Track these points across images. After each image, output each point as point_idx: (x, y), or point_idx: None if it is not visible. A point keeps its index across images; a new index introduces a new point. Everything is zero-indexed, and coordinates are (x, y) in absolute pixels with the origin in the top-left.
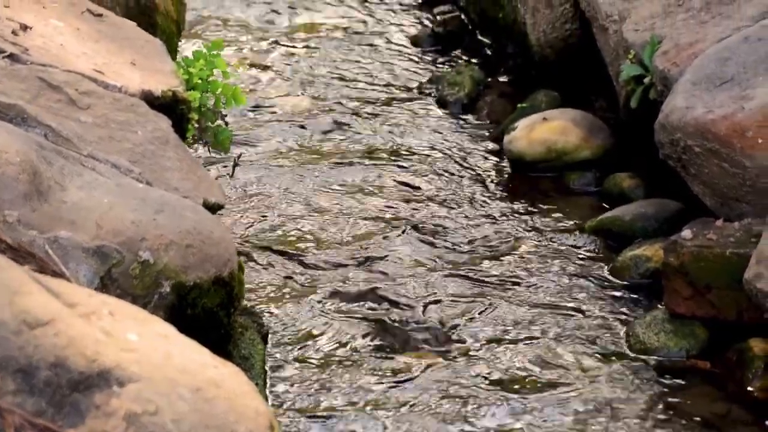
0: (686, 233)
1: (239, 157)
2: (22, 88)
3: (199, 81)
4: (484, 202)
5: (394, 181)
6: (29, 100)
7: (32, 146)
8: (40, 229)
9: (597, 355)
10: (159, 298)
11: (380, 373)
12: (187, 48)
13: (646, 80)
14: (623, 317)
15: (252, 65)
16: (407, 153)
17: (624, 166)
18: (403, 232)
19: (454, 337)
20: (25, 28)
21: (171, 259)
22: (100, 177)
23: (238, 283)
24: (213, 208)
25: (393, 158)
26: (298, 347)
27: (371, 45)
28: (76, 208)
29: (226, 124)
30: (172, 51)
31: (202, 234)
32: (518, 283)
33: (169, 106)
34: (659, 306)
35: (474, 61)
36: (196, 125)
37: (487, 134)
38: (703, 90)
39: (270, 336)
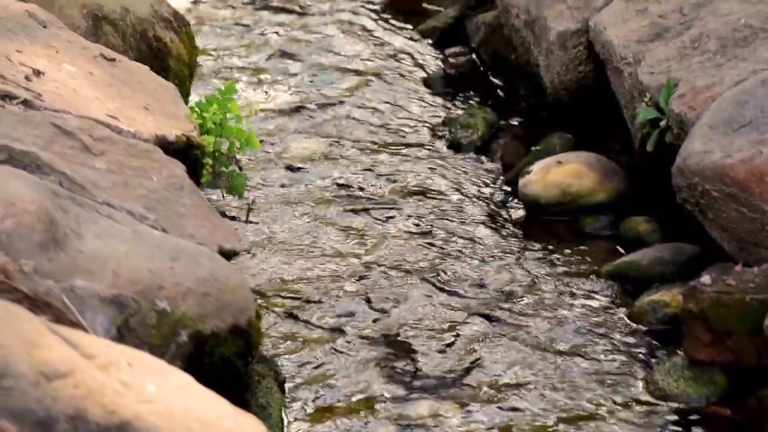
0: (705, 279)
1: (253, 202)
2: (36, 134)
3: (213, 125)
4: (499, 245)
5: (408, 224)
6: (43, 146)
7: (47, 194)
8: (56, 278)
9: (616, 401)
10: (176, 348)
11: (398, 420)
12: (200, 89)
13: (662, 123)
14: (642, 363)
15: (264, 108)
16: (421, 196)
17: (640, 210)
18: (418, 276)
19: (470, 382)
20: (38, 73)
21: (188, 307)
22: (116, 224)
23: (255, 332)
24: (229, 255)
25: (407, 201)
26: (315, 395)
27: (383, 87)
28: (93, 257)
29: (240, 168)
30: (185, 94)
31: (219, 282)
32: (534, 328)
33: (184, 151)
34: (678, 352)
35: (486, 102)
36: (211, 170)
37: (501, 177)
38: (721, 134)
39: (287, 384)
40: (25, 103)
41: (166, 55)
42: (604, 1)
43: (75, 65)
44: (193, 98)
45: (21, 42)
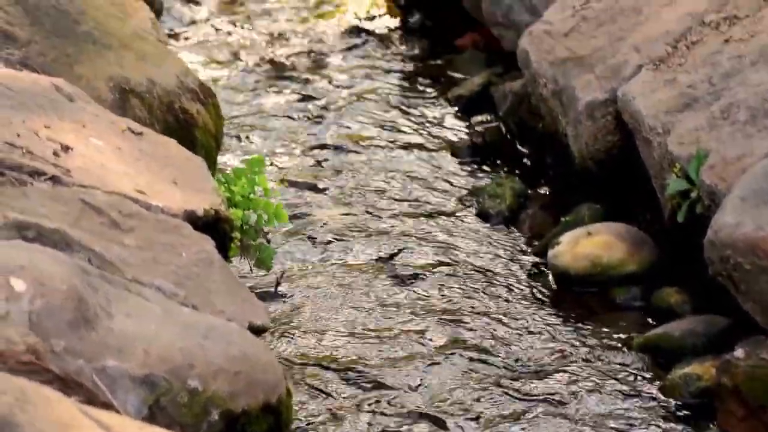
0: (739, 352)
1: (282, 275)
2: (65, 211)
3: (241, 198)
4: (529, 317)
5: (437, 296)
6: (72, 223)
7: (77, 272)
8: (87, 358)
9: None
10: (208, 427)
11: None
12: (226, 159)
13: (693, 194)
14: None
15: (291, 179)
16: (449, 268)
17: (671, 280)
18: (447, 350)
19: None
20: (66, 148)
21: (219, 386)
22: (146, 302)
23: (286, 409)
24: (258, 331)
25: (435, 273)
26: None
27: (410, 156)
28: (123, 336)
29: (268, 241)
30: (212, 165)
31: (249, 359)
32: (565, 402)
33: (212, 226)
34: (712, 426)
35: (514, 171)
36: (239, 243)
37: (530, 248)
38: (753, 206)
39: None
40: (54, 179)
41: (193, 126)
42: (633, 70)
43: (103, 139)
44: (222, 161)
45: (49, 117)
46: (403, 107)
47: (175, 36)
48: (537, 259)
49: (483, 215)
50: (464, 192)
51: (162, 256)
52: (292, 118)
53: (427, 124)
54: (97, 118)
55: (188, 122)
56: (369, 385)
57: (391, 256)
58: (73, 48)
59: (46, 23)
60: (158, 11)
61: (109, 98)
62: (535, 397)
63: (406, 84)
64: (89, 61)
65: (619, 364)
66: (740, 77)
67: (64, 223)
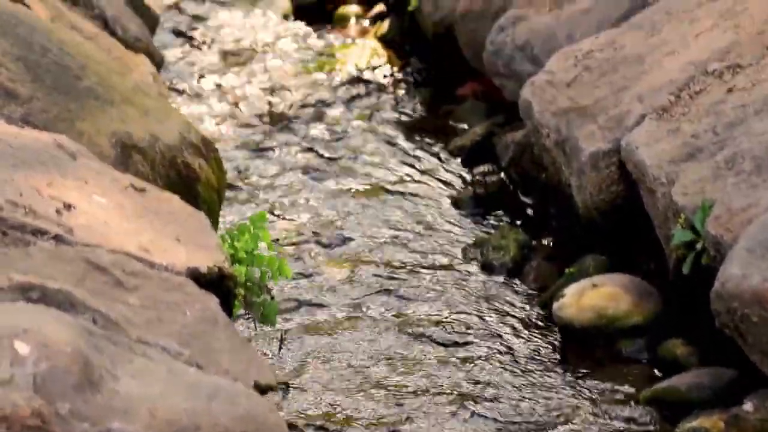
0: (747, 406)
1: (286, 332)
2: (69, 271)
3: (245, 255)
4: (535, 370)
5: (442, 351)
6: (76, 283)
7: (82, 334)
8: (92, 421)
9: None
10: None
11: None
12: (229, 214)
13: (698, 246)
14: None
15: (294, 232)
16: (454, 322)
17: (677, 332)
18: (453, 404)
19: None
20: (68, 206)
21: None
22: (151, 362)
23: None
24: (264, 390)
25: (440, 328)
26: None
27: (412, 207)
28: (128, 398)
29: (272, 297)
30: (215, 220)
31: (256, 420)
32: None
33: (216, 283)
34: None
35: (517, 222)
36: (242, 300)
37: (534, 300)
38: (759, 257)
39: None
40: (57, 238)
41: (195, 181)
42: (636, 120)
43: (105, 197)
44: (224, 215)
45: (51, 174)
46: (405, 158)
47: (175, 89)
48: (542, 312)
49: (487, 267)
50: (468, 243)
51: (166, 315)
52: (294, 170)
53: (430, 175)
54: (99, 175)
55: (191, 177)
56: None
57: (396, 311)
58: (74, 104)
59: (47, 79)
60: (159, 64)
61: (111, 154)
62: None
63: (407, 134)
64: (91, 117)
65: (626, 418)
66: (744, 127)
67: (68, 283)
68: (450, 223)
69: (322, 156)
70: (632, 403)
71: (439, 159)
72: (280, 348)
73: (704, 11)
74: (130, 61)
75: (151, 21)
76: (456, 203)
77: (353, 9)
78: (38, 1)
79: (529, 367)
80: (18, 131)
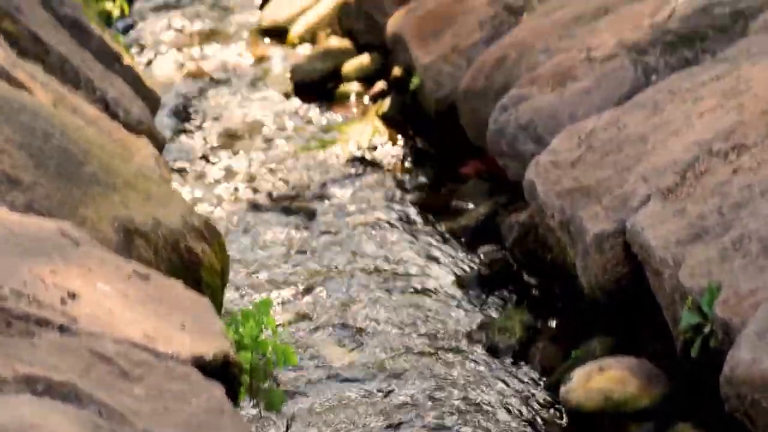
0: None
1: (291, 419)
2: (73, 361)
3: (249, 341)
4: None
5: None
6: (81, 374)
7: (88, 427)
8: None
9: None
10: None
11: None
12: (232, 298)
13: (706, 329)
14: None
15: (298, 317)
16: (460, 405)
17: (685, 415)
18: None
19: None
20: (73, 295)
21: None
22: None
23: None
24: None
25: (447, 411)
26: None
27: (416, 289)
28: None
29: (278, 384)
30: (218, 305)
31: None
32: None
33: (221, 371)
34: None
35: (522, 303)
36: (248, 387)
37: (541, 383)
38: None
39: None
40: (61, 328)
41: (199, 266)
42: (641, 201)
43: (109, 284)
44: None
45: (55, 263)
46: (409, 238)
47: (177, 169)
48: (549, 395)
49: (493, 349)
50: (473, 326)
51: (172, 405)
52: (298, 252)
53: (433, 256)
54: (103, 262)
55: (194, 262)
56: None
57: (402, 395)
58: (77, 190)
59: (50, 165)
60: (161, 146)
61: (114, 239)
62: None
63: (410, 214)
64: (94, 203)
65: None
66: (751, 207)
67: (74, 374)
68: (454, 304)
69: (324, 237)
70: None
71: (443, 239)
72: None
73: (707, 90)
74: (132, 144)
75: (152, 102)
76: (460, 284)
77: (354, 87)
78: (40, 86)
79: None
80: (21, 219)
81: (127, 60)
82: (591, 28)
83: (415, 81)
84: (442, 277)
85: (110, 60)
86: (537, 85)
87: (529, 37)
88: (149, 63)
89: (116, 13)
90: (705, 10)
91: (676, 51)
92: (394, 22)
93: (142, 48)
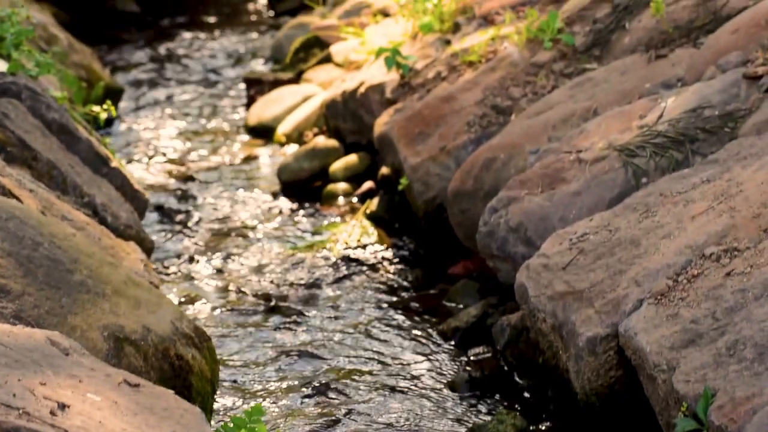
0: None
1: None
2: None
3: None
4: None
5: None
6: None
7: None
8: None
9: None
10: None
11: None
12: (223, 402)
13: None
14: None
15: (289, 421)
16: None
17: None
18: None
19: None
20: (63, 406)
21: None
22: None
23: None
24: None
25: None
26: None
27: (407, 392)
28: None
29: None
30: (208, 411)
31: None
32: None
33: None
34: None
35: (514, 406)
36: None
37: None
38: None
39: None
40: None
41: (189, 373)
42: (633, 305)
43: (99, 394)
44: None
45: (44, 373)
46: (398, 340)
47: (166, 272)
48: None
49: None
50: (465, 429)
51: None
52: (287, 355)
53: (424, 358)
54: (93, 371)
55: (184, 369)
56: None
57: None
58: (66, 298)
59: (39, 274)
60: (149, 250)
61: (103, 348)
62: None
63: (399, 315)
64: (83, 311)
65: None
66: (744, 312)
67: None
68: (446, 407)
69: (314, 339)
70: None
71: (433, 340)
72: None
73: (699, 193)
74: (121, 250)
75: (140, 204)
76: (451, 386)
77: (341, 186)
78: (28, 193)
79: None
80: (10, 329)
81: (114, 163)
82: (580, 129)
83: (403, 182)
84: (433, 380)
85: (98, 163)
86: (527, 187)
87: (518, 138)
88: (137, 162)
89: (103, 116)
90: (694, 111)
91: (666, 153)
92: (382, 123)
93: (129, 148)
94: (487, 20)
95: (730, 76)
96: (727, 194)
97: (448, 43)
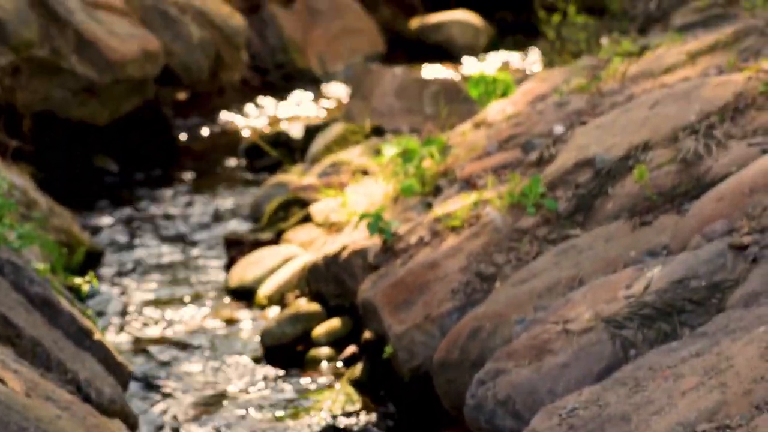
0: None
1: None
2: None
3: None
4: None
5: None
6: None
7: None
8: None
9: None
10: None
11: None
12: None
13: None
14: None
15: None
16: None
17: None
18: None
19: None
20: None
21: None
22: None
23: None
24: None
25: None
26: None
27: None
28: None
29: None
30: None
31: None
32: None
33: None
34: None
35: None
36: None
37: None
38: None
39: None
40: None
41: None
42: None
43: None
44: None
45: None
46: None
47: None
48: None
49: None
50: None
51: None
52: None
53: None
54: None
55: None
56: None
57: None
58: None
59: None
60: (133, 426)
61: None
62: None
63: None
64: None
65: None
66: None
67: None
68: None
69: None
70: None
71: None
72: None
73: (688, 368)
74: (106, 429)
75: (123, 377)
76: None
77: (324, 351)
78: (12, 374)
79: None
80: None
81: (97, 335)
82: (566, 299)
83: (388, 350)
84: None
85: (81, 337)
86: (514, 359)
87: (504, 308)
88: (118, 328)
89: (86, 288)
90: (681, 282)
91: (653, 325)
92: (365, 289)
93: (109, 314)
94: (469, 183)
95: (716, 246)
96: (717, 369)
97: (429, 206)
